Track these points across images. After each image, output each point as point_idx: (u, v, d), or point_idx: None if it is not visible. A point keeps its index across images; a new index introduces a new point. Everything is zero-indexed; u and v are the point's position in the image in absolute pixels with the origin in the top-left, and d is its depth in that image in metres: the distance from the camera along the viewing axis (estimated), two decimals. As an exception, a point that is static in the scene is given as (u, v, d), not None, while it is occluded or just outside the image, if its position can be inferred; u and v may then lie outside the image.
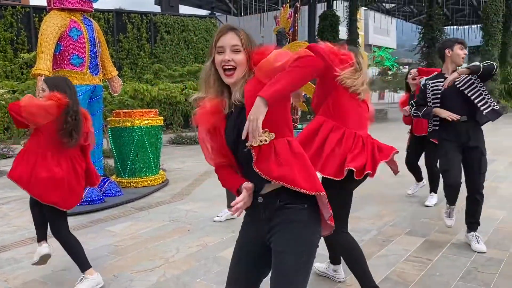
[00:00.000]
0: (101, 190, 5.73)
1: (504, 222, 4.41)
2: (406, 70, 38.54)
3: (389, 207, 5.08)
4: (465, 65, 3.65)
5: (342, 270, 3.16)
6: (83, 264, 3.16)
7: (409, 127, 5.27)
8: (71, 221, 4.88)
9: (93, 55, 5.59)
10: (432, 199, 5.13)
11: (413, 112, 3.86)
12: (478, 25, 23.29)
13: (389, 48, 52.45)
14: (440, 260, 3.50)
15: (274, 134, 1.69)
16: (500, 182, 6.13)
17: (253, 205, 1.76)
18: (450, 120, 3.53)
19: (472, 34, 27.40)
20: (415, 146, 5.19)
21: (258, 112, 1.59)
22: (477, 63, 3.51)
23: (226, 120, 1.78)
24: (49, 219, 3.21)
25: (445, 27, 22.97)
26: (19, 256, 3.89)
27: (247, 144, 1.66)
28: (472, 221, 3.78)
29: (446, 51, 3.66)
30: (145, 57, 15.48)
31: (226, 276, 2.00)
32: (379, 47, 48.86)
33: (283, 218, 1.71)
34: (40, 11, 14.44)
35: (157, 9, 18.19)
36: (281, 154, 1.68)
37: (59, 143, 3.03)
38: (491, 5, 19.23)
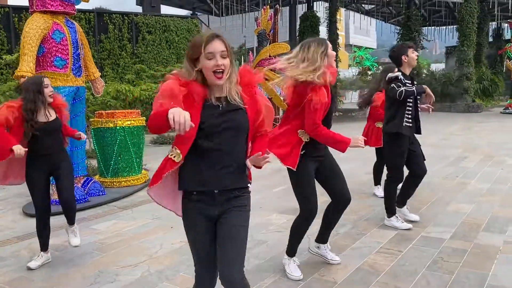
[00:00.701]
0: (85, 190, 5.82)
1: (470, 215, 4.67)
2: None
3: (364, 203, 5.30)
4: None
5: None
6: None
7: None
8: (55, 220, 4.99)
9: (76, 57, 5.68)
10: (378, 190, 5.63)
11: (407, 88, 3.97)
12: (454, 26, 23.89)
13: (370, 48, 53.17)
14: (410, 251, 3.73)
15: None
16: (470, 178, 6.42)
17: (208, 195, 2.07)
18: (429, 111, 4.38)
19: (449, 35, 28.10)
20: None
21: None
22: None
23: (204, 107, 2.02)
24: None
25: (422, 28, 23.50)
26: (4, 255, 3.99)
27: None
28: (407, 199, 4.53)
29: (403, 57, 4.13)
30: (127, 57, 15.48)
31: None
32: (360, 47, 49.47)
33: (238, 203, 2.11)
34: (19, 11, 14.34)
35: (139, 9, 18.18)
36: None
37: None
38: (466, 7, 19.75)
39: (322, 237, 3.49)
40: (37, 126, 3.51)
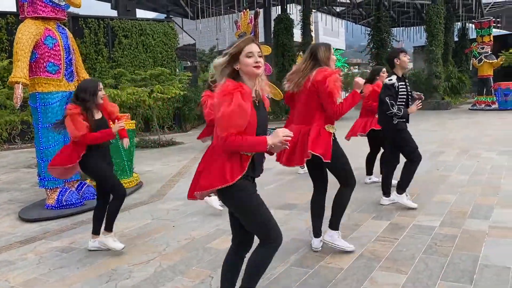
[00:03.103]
0: (79, 194, 5.86)
1: (455, 204, 4.99)
2: (356, 70, 40.05)
3: (355, 196, 5.54)
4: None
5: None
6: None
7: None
8: (55, 225, 5.06)
9: (68, 62, 5.72)
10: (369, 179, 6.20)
11: (397, 112, 4.62)
12: (422, 27, 24.70)
13: (339, 49, 54.10)
14: (405, 239, 3.99)
15: None
16: (450, 171, 6.79)
17: (251, 180, 2.55)
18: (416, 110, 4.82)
19: (417, 35, 29.00)
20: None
21: None
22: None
23: (255, 108, 2.42)
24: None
25: (392, 29, 24.22)
26: (12, 258, 4.03)
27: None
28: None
29: (395, 60, 4.73)
30: (103, 61, 15.34)
31: (219, 263, 2.56)
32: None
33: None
34: (2, 16, 13.97)
35: (114, 13, 18.04)
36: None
37: None
38: (433, 8, 20.49)
39: (337, 224, 3.80)
40: (93, 122, 3.94)
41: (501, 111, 17.62)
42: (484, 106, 18.85)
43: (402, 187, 4.85)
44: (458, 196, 5.34)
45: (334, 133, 3.59)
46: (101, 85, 4.11)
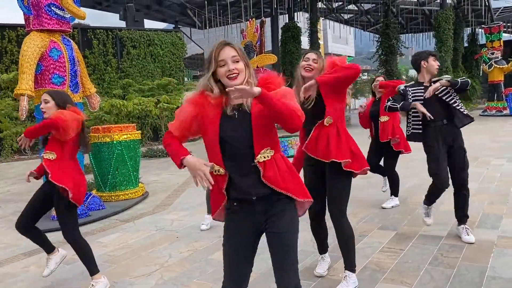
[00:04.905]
0: (85, 205, 5.87)
1: (463, 213, 4.89)
2: (365, 77, 39.94)
3: (361, 206, 5.49)
4: (446, 76, 4.08)
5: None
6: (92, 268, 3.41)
7: (368, 131, 5.62)
8: (59, 235, 5.04)
9: (73, 74, 5.77)
10: (391, 202, 5.43)
11: (391, 104, 4.09)
12: (431, 33, 24.58)
13: (349, 56, 54.06)
14: (411, 249, 3.91)
15: (273, 151, 2.11)
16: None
17: (246, 202, 2.11)
18: (428, 118, 3.89)
19: (426, 41, 28.87)
20: (378, 150, 5.53)
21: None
22: (449, 77, 3.97)
23: (222, 119, 2.08)
24: (65, 222, 3.44)
25: (400, 35, 24.12)
26: (15, 271, 4.03)
27: (255, 160, 2.05)
28: (462, 215, 4.12)
29: (422, 63, 4.04)
30: (112, 72, 15.51)
31: (220, 275, 2.30)
32: (339, 56, 50.16)
33: (279, 208, 2.12)
34: (3, 29, 14.26)
35: (123, 24, 18.24)
36: (281, 168, 2.11)
37: (76, 151, 3.51)
38: (442, 14, 20.40)
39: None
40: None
41: (513, 116, 17.41)
42: (495, 111, 18.64)
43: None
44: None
45: None
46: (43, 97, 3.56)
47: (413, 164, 7.46)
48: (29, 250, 4.59)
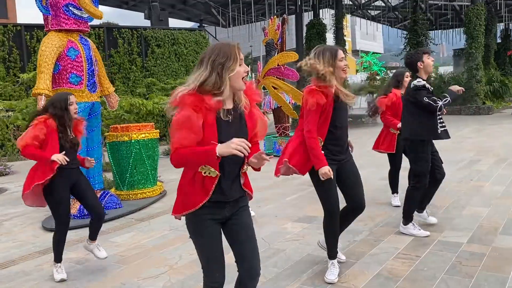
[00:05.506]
0: (102, 204, 5.90)
1: (487, 218, 4.67)
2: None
3: (380, 209, 5.32)
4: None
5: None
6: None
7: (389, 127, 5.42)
8: (74, 235, 5.09)
9: (90, 73, 5.80)
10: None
11: (443, 103, 4.01)
12: (462, 29, 23.83)
13: (377, 53, 53.12)
14: (427, 256, 3.74)
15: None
16: (484, 181, 6.41)
17: (221, 204, 2.18)
18: (461, 92, 4.16)
19: (456, 37, 28.05)
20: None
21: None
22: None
23: (219, 122, 2.04)
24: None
25: (429, 32, 23.48)
26: (28, 269, 4.07)
27: (243, 168, 2.20)
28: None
29: (418, 64, 4.07)
30: (137, 71, 15.68)
31: (228, 279, 2.37)
32: (367, 52, 49.42)
33: (243, 204, 2.29)
34: (31, 29, 14.63)
35: (147, 23, 18.43)
36: (247, 177, 2.29)
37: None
38: (473, 9, 19.70)
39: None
40: (68, 141, 3.70)
41: (547, 115, 16.68)
42: (529, 110, 17.91)
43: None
44: (490, 209, 5.00)
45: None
46: (72, 99, 3.74)
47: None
48: (44, 249, 4.64)
